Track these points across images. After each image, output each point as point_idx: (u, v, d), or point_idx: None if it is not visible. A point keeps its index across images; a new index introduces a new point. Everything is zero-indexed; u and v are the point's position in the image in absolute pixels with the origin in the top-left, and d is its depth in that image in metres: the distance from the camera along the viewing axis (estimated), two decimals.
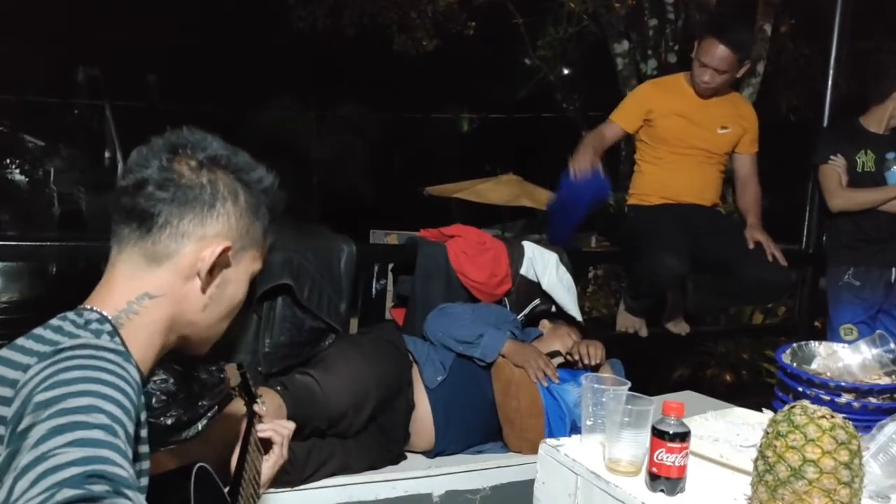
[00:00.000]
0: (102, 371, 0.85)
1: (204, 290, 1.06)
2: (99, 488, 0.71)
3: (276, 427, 1.42)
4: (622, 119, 3.00)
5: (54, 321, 0.97)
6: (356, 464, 2.01)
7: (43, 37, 12.17)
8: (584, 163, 2.82)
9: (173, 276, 1.03)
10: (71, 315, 0.98)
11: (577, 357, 2.36)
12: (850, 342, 3.06)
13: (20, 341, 0.94)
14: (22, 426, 0.79)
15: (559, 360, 2.41)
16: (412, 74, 11.15)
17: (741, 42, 2.80)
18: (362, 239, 7.20)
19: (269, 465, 1.41)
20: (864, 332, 3.07)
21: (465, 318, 2.32)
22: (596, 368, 2.34)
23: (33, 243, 2.23)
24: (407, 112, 13.84)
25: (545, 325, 2.56)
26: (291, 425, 1.44)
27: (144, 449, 0.99)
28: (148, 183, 1.01)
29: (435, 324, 2.32)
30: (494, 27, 9.44)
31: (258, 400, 1.40)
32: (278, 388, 1.89)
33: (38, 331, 0.96)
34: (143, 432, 0.98)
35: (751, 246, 2.90)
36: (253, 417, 1.37)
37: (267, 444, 1.41)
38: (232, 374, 1.41)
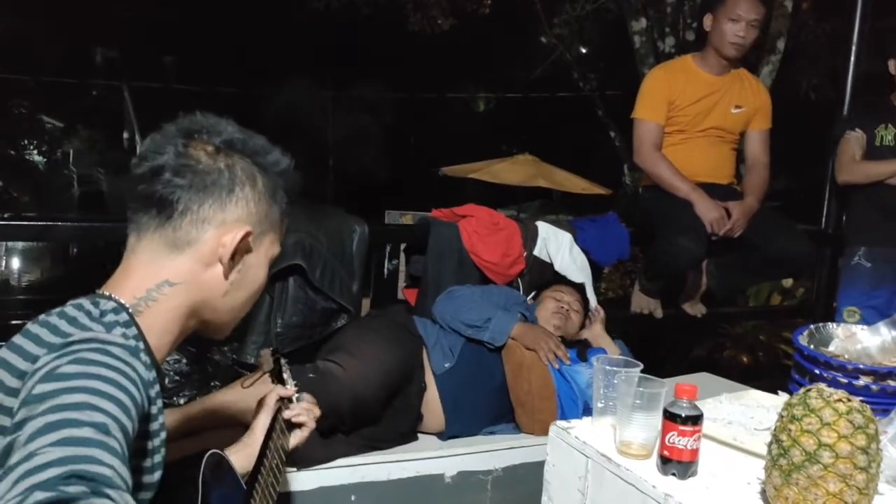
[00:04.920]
0: (103, 367, 0.84)
1: (226, 276, 1.05)
2: (75, 489, 0.69)
3: (311, 409, 1.42)
4: (652, 114, 2.89)
5: (70, 310, 0.95)
6: (367, 445, 2.01)
7: (61, 17, 12.20)
8: (715, 209, 2.74)
9: (194, 262, 1.02)
10: (87, 304, 0.96)
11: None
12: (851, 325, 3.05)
13: (34, 329, 0.93)
14: (17, 418, 0.78)
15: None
16: (428, 53, 11.07)
17: None
18: (377, 219, 7.19)
19: (291, 444, 1.41)
20: (868, 315, 3.01)
21: (474, 300, 2.29)
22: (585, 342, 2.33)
23: (54, 223, 2.23)
24: (422, 91, 13.76)
25: None
26: (318, 410, 1.45)
27: (157, 442, 0.98)
28: (165, 170, 1.00)
29: (443, 308, 2.30)
30: (510, 5, 9.35)
31: (293, 384, 1.42)
32: (311, 374, 1.88)
33: (54, 320, 0.93)
34: (155, 426, 0.97)
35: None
36: (282, 403, 1.38)
37: (292, 426, 1.41)
38: (266, 359, 1.43)
